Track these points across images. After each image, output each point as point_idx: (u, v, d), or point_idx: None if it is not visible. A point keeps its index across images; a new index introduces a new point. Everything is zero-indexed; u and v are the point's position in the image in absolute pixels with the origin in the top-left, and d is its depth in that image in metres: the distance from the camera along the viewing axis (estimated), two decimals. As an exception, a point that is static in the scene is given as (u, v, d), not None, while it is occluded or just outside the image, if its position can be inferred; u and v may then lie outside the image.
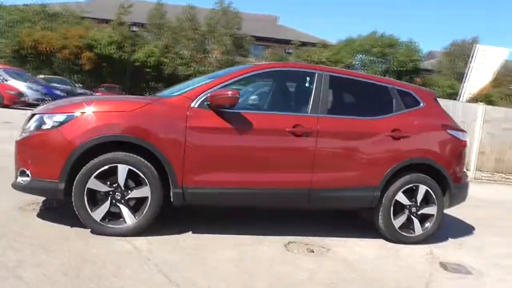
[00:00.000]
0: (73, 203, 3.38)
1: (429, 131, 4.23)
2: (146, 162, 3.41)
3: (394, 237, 4.12)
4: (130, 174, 3.41)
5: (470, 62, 13.78)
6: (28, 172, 3.39)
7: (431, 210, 4.19)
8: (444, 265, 3.72)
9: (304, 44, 29.95)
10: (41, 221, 3.62)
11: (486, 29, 63.50)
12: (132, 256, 3.16)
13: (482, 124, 10.55)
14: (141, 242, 3.40)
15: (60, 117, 3.39)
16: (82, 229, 3.47)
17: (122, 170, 3.38)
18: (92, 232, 3.43)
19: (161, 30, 28.25)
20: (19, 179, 3.45)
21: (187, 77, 25.34)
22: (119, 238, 3.41)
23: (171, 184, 3.48)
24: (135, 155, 3.40)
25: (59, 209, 3.96)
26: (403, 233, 4.13)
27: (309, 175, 3.79)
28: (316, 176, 3.80)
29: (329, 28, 74.94)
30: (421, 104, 4.31)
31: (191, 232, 3.77)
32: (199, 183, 3.54)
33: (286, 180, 3.75)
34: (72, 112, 3.41)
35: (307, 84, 3.99)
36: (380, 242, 4.16)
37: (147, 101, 3.60)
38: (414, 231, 4.16)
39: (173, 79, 25.07)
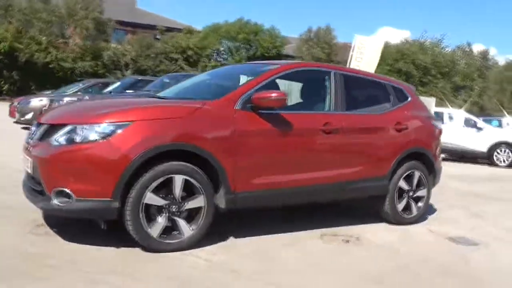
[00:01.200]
0: (127, 222, 3.08)
1: (420, 123, 4.78)
2: (199, 170, 3.26)
3: (396, 220, 4.58)
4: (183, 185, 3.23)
5: (351, 51, 14.13)
6: (69, 192, 2.98)
7: (423, 192, 4.76)
8: (453, 240, 4.27)
9: (169, 29, 28.89)
10: (75, 244, 3.20)
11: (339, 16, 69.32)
12: (219, 268, 3.05)
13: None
14: (206, 253, 3.27)
15: (108, 127, 3.04)
16: (128, 248, 3.19)
17: (178, 181, 3.18)
18: (147, 250, 3.17)
19: (8, 12, 24.35)
20: (55, 201, 3.02)
21: (46, 65, 23.27)
22: (183, 253, 3.23)
23: (223, 191, 3.38)
24: (188, 164, 3.22)
25: (69, 227, 3.51)
26: (403, 215, 4.61)
27: (341, 169, 4.03)
28: (346, 170, 4.06)
29: (191, 14, 73.64)
30: (409, 99, 4.84)
31: (232, 237, 3.69)
32: (249, 187, 3.51)
33: (324, 176, 3.95)
34: (123, 121, 3.09)
35: (327, 83, 4.18)
36: (384, 225, 4.58)
37: (195, 105, 3.44)
38: (411, 212, 4.68)
39: (30, 68, 22.83)
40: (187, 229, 3.26)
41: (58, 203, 3.01)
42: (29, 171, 3.29)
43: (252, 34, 29.35)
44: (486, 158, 13.42)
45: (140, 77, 14.12)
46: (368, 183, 4.28)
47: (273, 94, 3.50)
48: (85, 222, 3.52)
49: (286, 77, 4.01)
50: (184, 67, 26.12)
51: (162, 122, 3.18)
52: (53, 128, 3.18)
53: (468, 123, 13.65)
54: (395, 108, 4.63)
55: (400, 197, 4.58)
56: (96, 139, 3.00)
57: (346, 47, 32.49)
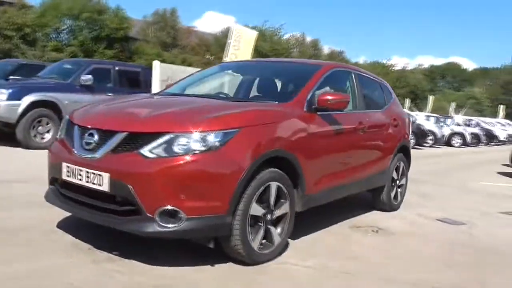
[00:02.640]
0: (234, 236, 2.84)
1: (403, 117, 5.31)
2: (286, 176, 3.17)
3: (391, 208, 5.06)
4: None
5: (229, 39, 13.64)
6: (179, 210, 2.63)
7: (404, 180, 5.34)
8: (442, 221, 4.91)
9: (-1, 3, 24.98)
10: (161, 268, 2.82)
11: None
12: (325, 271, 3.06)
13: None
14: (295, 259, 3.22)
15: (217, 136, 2.74)
16: (221, 265, 2.97)
17: (273, 188, 3.06)
18: (244, 264, 2.98)
19: None
20: (162, 223, 2.64)
21: None
22: (276, 261, 3.14)
23: (300, 194, 3.35)
24: (279, 170, 3.11)
25: (126, 247, 3.05)
26: (394, 203, 5.12)
27: (369, 164, 4.36)
28: (371, 165, 4.40)
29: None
30: (393, 96, 5.33)
31: (290, 239, 3.62)
32: (316, 188, 3.53)
33: (361, 171, 4.28)
34: (231, 128, 2.81)
35: (349, 83, 4.37)
36: (380, 214, 4.97)
37: (278, 108, 3.33)
38: (397, 199, 5.21)
39: None
40: (277, 237, 3.15)
41: (167, 226, 2.64)
42: (104, 188, 2.74)
43: (97, 13, 27.06)
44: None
45: (24, 61, 11.89)
46: (378, 175, 4.64)
47: (339, 96, 3.56)
48: (140, 240, 3.09)
49: (329, 77, 4.06)
50: (20, 46, 23.17)
51: (264, 128, 3.01)
52: (139, 137, 2.75)
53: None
54: (389, 105, 5.08)
55: (392, 186, 5.06)
56: (205, 149, 2.69)
57: (190, 31, 33.02)
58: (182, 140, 2.68)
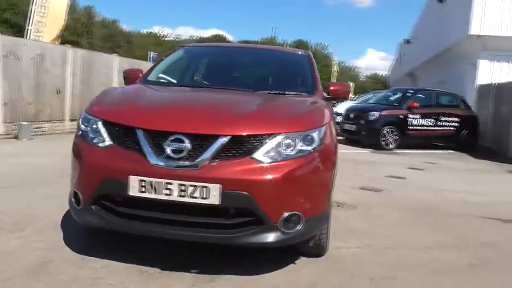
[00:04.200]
0: (323, 231, 2.96)
1: None
2: None
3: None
4: None
5: (32, 4, 12.36)
6: (300, 214, 2.59)
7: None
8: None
9: None
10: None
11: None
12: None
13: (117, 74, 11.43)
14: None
15: (318, 134, 2.73)
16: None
17: None
18: (318, 255, 3.15)
19: None
20: (285, 230, 2.56)
21: None
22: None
23: None
24: None
25: (161, 261, 2.94)
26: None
27: None
28: None
29: None
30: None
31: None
32: None
33: None
34: (322, 125, 2.83)
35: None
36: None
37: (321, 100, 3.48)
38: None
39: None
40: None
41: (287, 231, 2.56)
42: (211, 201, 2.47)
43: None
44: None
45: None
46: None
47: (345, 87, 3.92)
48: (204, 252, 3.02)
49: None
50: None
51: (333, 120, 3.11)
52: (245, 140, 2.58)
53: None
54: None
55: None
56: (312, 149, 2.67)
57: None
58: (292, 141, 2.63)
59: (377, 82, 53.46)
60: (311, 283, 2.76)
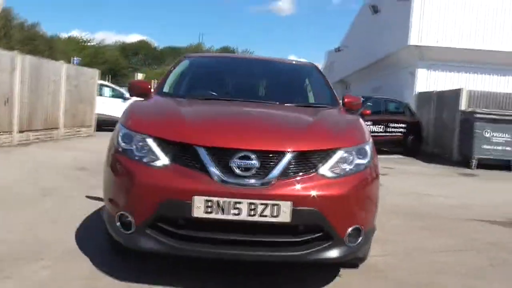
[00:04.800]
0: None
1: None
2: None
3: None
4: None
5: None
6: (360, 228, 2.63)
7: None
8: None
9: None
10: None
11: None
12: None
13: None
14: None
15: (369, 148, 2.81)
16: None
17: None
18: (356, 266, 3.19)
19: None
20: (349, 244, 2.59)
21: None
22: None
23: None
24: None
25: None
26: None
27: None
28: None
29: None
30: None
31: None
32: None
33: None
34: (370, 137, 2.93)
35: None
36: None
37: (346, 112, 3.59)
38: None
39: None
40: None
41: (351, 245, 2.60)
42: (282, 219, 2.41)
43: None
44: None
45: None
46: None
47: (358, 99, 3.91)
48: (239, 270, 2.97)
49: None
50: None
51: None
52: (310, 156, 2.57)
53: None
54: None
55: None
56: (367, 162, 2.73)
57: None
58: (350, 155, 2.67)
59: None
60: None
